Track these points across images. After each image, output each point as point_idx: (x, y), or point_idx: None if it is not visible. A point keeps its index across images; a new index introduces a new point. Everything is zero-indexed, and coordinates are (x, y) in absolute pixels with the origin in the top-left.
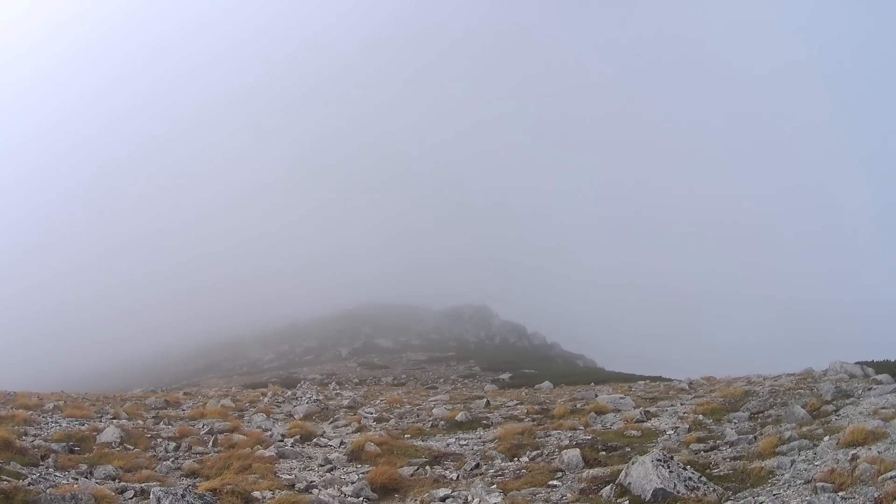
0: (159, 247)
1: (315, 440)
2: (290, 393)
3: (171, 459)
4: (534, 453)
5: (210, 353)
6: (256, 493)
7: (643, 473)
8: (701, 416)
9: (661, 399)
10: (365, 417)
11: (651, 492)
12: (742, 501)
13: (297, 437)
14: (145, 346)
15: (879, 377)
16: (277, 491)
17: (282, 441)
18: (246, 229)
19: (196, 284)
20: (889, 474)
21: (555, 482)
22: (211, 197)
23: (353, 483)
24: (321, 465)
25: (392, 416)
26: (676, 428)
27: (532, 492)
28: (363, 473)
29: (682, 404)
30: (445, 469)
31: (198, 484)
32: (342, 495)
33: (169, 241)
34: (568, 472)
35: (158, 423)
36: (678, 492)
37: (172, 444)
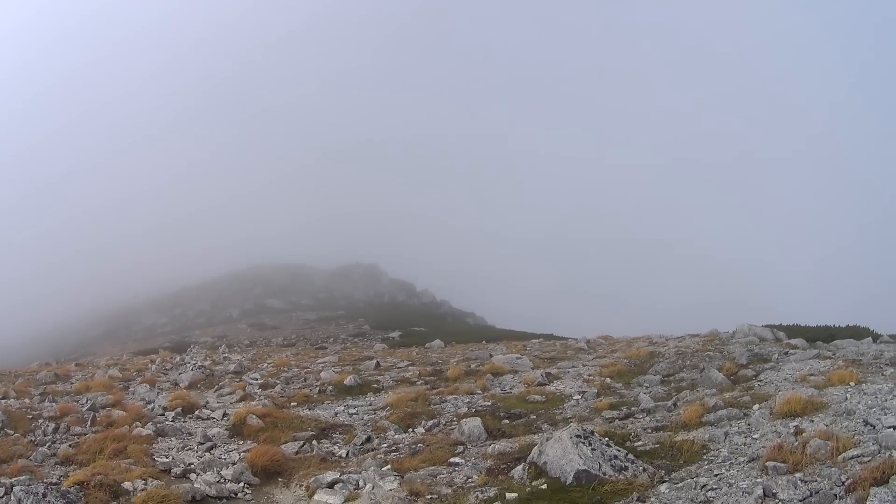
0: (46, 207)
1: (197, 412)
2: (178, 359)
3: (47, 444)
4: (430, 423)
5: (106, 320)
6: (127, 485)
7: (561, 452)
8: (608, 380)
9: (560, 359)
10: (250, 384)
11: (573, 474)
12: (680, 484)
13: (179, 409)
14: (44, 315)
15: (794, 341)
16: (151, 480)
17: (163, 415)
18: (132, 187)
19: (87, 247)
20: (850, 453)
21: (456, 459)
22: (94, 152)
23: (233, 464)
24: (200, 444)
25: (278, 382)
26: (583, 392)
27: (432, 472)
28: (244, 452)
29: (584, 365)
30: (334, 444)
31: (70, 474)
32: (221, 480)
33: (56, 200)
34: (470, 445)
35: (44, 401)
36: (604, 473)
37: (52, 426)
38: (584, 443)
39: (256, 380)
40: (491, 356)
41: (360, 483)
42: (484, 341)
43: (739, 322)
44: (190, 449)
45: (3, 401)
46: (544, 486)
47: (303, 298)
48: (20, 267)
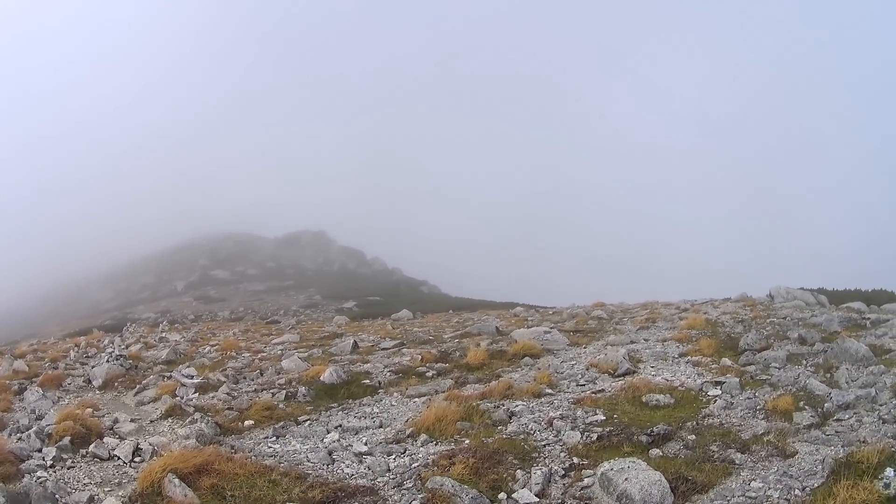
0: None
1: (93, 445)
2: (107, 340)
3: None
4: (536, 477)
5: (51, 298)
6: None
7: None
8: (728, 360)
9: (590, 332)
10: (183, 384)
11: None
12: None
13: (68, 438)
14: None
15: (853, 305)
16: None
17: (40, 451)
18: (81, 162)
19: (32, 224)
20: None
21: None
22: (44, 127)
23: None
24: None
25: (224, 379)
26: (718, 383)
27: None
28: None
29: (644, 340)
30: None
31: None
32: None
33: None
34: None
35: None
36: None
37: None
38: None
39: (191, 378)
40: (498, 330)
41: None
42: (451, 311)
43: (774, 285)
44: None
45: None
46: None
47: (250, 268)
48: None
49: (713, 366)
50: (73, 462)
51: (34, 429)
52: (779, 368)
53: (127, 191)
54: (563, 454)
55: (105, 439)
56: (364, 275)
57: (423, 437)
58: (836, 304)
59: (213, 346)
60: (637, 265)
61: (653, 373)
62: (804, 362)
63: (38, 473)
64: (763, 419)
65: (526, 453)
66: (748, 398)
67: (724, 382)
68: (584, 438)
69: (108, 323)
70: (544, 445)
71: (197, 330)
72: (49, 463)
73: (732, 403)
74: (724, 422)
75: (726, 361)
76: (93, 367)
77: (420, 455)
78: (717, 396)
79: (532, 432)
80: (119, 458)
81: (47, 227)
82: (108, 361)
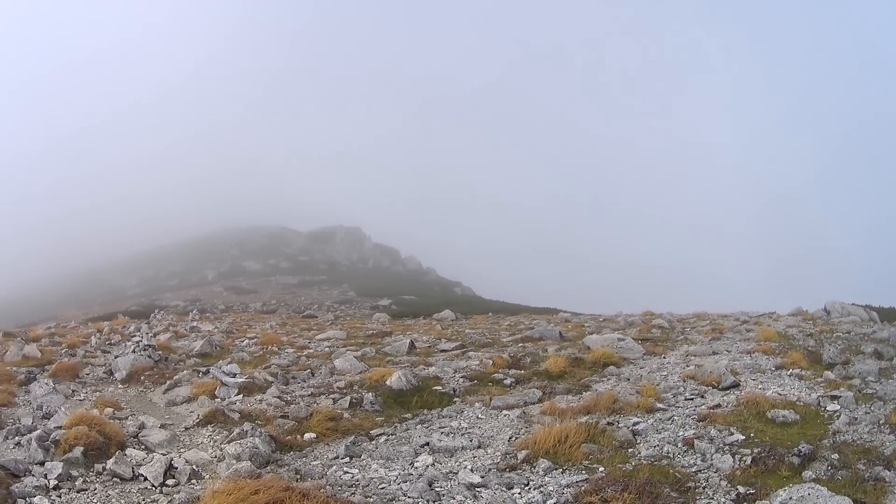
0: (11, 176)
1: (114, 459)
2: (133, 327)
3: None
4: None
5: (70, 283)
6: None
7: None
8: (831, 373)
9: (660, 340)
10: (223, 384)
11: None
12: None
13: (80, 449)
14: (3, 283)
15: None
16: None
17: (42, 465)
18: (107, 151)
19: (54, 212)
20: None
21: None
22: (72, 119)
23: None
24: None
25: (272, 378)
26: (835, 398)
27: None
28: None
29: (727, 351)
30: None
31: None
32: None
33: (28, 170)
34: None
35: None
36: None
37: None
38: None
39: (234, 376)
40: (561, 335)
41: None
42: (490, 313)
43: (829, 300)
44: None
45: None
46: None
47: (282, 261)
48: None
49: (818, 379)
50: (84, 482)
51: (37, 433)
52: (874, 382)
53: (156, 181)
54: (722, 482)
55: (128, 451)
56: (398, 273)
57: (545, 462)
58: (886, 320)
59: (251, 339)
60: (661, 273)
61: (759, 386)
62: (894, 376)
63: (36, 499)
64: (890, 433)
65: (680, 483)
66: (867, 412)
67: (841, 397)
68: (738, 462)
69: (134, 308)
70: (695, 472)
71: (231, 321)
72: (52, 483)
73: (856, 419)
74: (854, 438)
75: (829, 375)
76: (116, 356)
77: (550, 488)
78: (837, 411)
79: (671, 455)
80: (146, 479)
81: (73, 215)
82: (133, 351)
